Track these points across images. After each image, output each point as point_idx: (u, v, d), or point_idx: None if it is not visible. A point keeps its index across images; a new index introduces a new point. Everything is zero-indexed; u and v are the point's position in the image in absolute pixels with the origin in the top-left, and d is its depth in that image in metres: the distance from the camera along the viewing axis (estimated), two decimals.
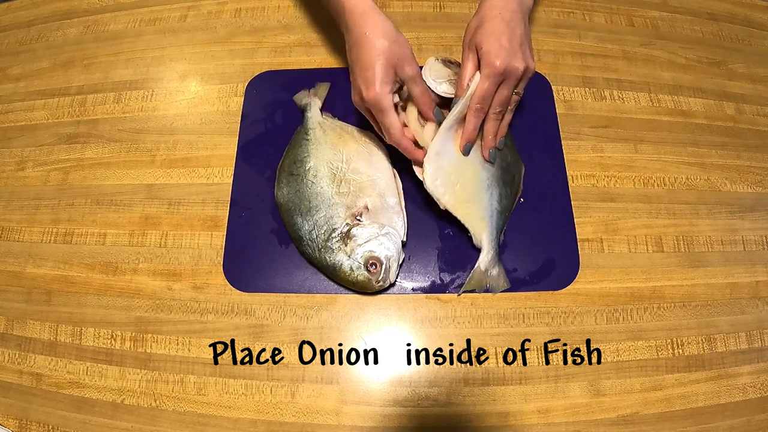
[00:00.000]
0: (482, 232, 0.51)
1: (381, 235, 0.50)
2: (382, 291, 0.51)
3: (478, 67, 0.48)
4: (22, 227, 0.57)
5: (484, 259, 0.51)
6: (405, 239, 0.52)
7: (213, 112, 0.61)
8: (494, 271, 0.51)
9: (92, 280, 0.54)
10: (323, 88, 0.60)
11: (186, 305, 0.52)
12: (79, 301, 0.53)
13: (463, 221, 0.51)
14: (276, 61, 0.63)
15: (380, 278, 0.49)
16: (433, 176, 0.51)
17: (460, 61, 0.50)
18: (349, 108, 0.54)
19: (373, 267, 0.49)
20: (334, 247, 0.50)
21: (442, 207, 0.51)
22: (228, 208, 0.55)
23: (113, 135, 0.61)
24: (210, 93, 0.62)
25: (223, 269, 0.53)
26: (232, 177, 0.57)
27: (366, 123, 0.53)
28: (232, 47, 0.65)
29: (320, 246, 0.50)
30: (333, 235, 0.50)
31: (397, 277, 0.51)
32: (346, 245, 0.50)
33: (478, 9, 0.51)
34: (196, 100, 0.62)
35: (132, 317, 0.52)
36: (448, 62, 0.54)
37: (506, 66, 0.47)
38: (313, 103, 0.58)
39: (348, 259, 0.49)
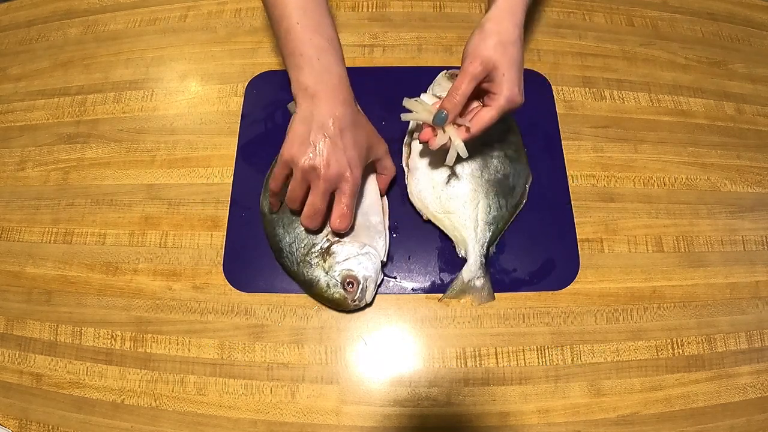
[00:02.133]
0: (466, 243, 0.51)
1: (360, 254, 0.49)
2: (357, 310, 0.50)
3: (478, 87, 0.47)
4: (22, 227, 0.57)
5: (467, 269, 0.50)
6: (385, 259, 0.51)
7: (213, 112, 0.61)
8: (478, 283, 0.50)
9: (92, 280, 0.54)
10: None
11: (186, 305, 0.52)
12: (79, 301, 0.53)
13: (447, 232, 0.52)
14: (276, 61, 0.63)
15: (356, 297, 0.48)
16: (416, 188, 0.52)
17: (461, 70, 0.47)
18: None
19: (350, 286, 0.48)
20: (312, 262, 0.49)
21: (424, 218, 0.52)
22: (228, 208, 0.55)
23: (113, 135, 0.61)
24: (210, 93, 0.62)
25: (223, 269, 0.53)
26: (232, 177, 0.57)
27: None
28: (232, 47, 0.65)
29: (299, 260, 0.50)
30: (313, 249, 0.50)
31: (373, 299, 0.50)
32: (324, 261, 0.49)
33: (500, 15, 0.47)
34: (196, 100, 0.62)
35: (132, 317, 0.52)
36: (455, 76, 0.55)
37: (522, 102, 0.47)
38: None
39: (325, 276, 0.49)
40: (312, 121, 0.45)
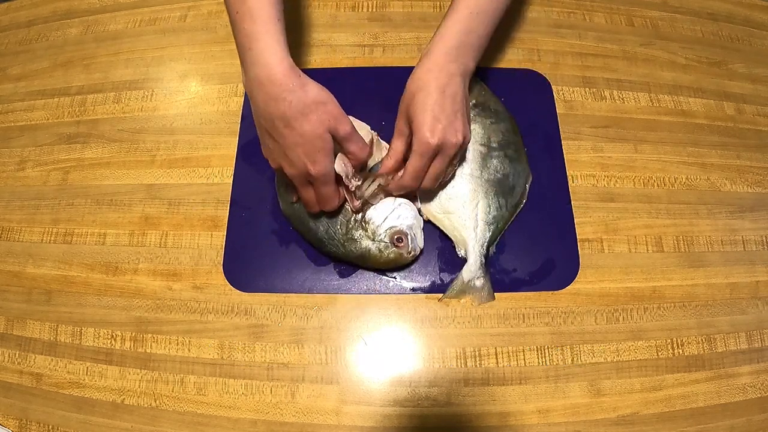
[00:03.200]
0: (466, 243, 0.51)
1: (396, 208, 0.50)
2: (414, 261, 0.51)
3: (410, 143, 0.47)
4: (22, 227, 0.57)
5: (467, 269, 0.50)
6: (419, 205, 0.52)
7: (213, 112, 0.61)
8: (478, 283, 0.50)
9: (92, 280, 0.54)
10: None
11: (186, 305, 0.52)
12: (79, 301, 0.53)
13: (446, 232, 0.52)
14: None
15: (410, 249, 0.49)
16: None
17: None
18: (345, 109, 0.54)
19: (400, 242, 0.49)
20: (356, 236, 0.50)
21: (424, 218, 0.52)
22: (228, 208, 0.55)
23: (113, 135, 0.61)
24: (210, 93, 0.62)
25: (223, 269, 0.53)
26: (232, 177, 0.57)
27: (359, 116, 0.53)
28: (232, 47, 0.64)
29: (342, 240, 0.50)
30: (350, 225, 0.50)
31: (423, 243, 0.51)
32: (366, 231, 0.50)
33: (414, 70, 0.47)
34: (196, 100, 0.62)
35: (132, 317, 0.52)
36: None
37: (442, 141, 0.44)
38: None
39: (374, 243, 0.49)
40: (260, 126, 0.45)
